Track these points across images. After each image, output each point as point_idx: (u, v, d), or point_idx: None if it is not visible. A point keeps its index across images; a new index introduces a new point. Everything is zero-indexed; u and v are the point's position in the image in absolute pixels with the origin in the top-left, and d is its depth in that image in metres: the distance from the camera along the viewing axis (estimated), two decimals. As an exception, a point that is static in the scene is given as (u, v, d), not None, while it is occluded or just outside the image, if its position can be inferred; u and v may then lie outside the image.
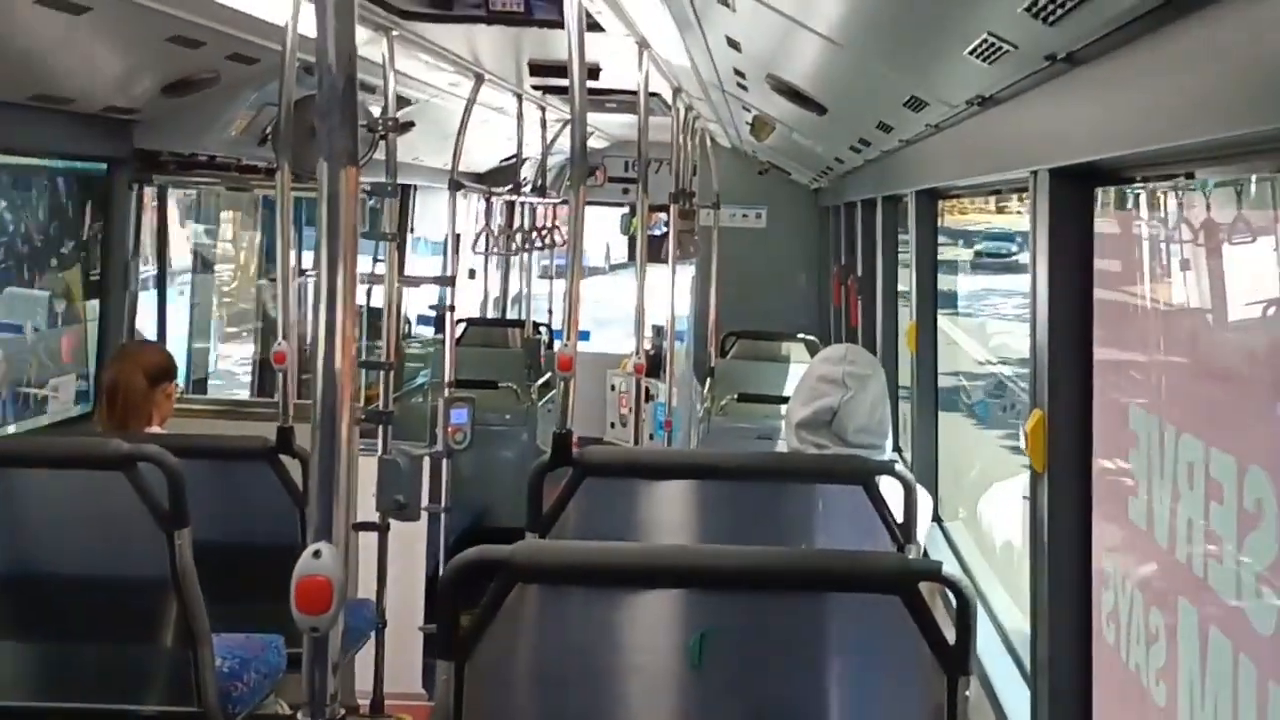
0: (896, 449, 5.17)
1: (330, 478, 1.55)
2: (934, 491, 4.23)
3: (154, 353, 4.04)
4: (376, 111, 4.32)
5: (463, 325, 8.11)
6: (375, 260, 4.69)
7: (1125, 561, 2.10)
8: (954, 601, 1.80)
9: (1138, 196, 2.15)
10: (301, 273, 5.27)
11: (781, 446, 2.92)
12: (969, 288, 5.81)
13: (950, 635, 1.80)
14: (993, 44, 2.05)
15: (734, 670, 1.92)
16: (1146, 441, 1.94)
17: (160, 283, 5.75)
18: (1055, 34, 1.82)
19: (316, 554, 1.52)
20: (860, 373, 2.79)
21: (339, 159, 1.49)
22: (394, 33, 4.24)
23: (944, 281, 4.50)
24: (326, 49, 1.48)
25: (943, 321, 4.42)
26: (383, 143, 4.28)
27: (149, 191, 5.41)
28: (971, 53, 2.16)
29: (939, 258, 4.36)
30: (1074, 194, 2.17)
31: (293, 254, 4.39)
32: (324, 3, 1.47)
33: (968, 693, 1.80)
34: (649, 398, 6.48)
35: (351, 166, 1.49)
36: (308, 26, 3.48)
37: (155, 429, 3.78)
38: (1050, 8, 1.71)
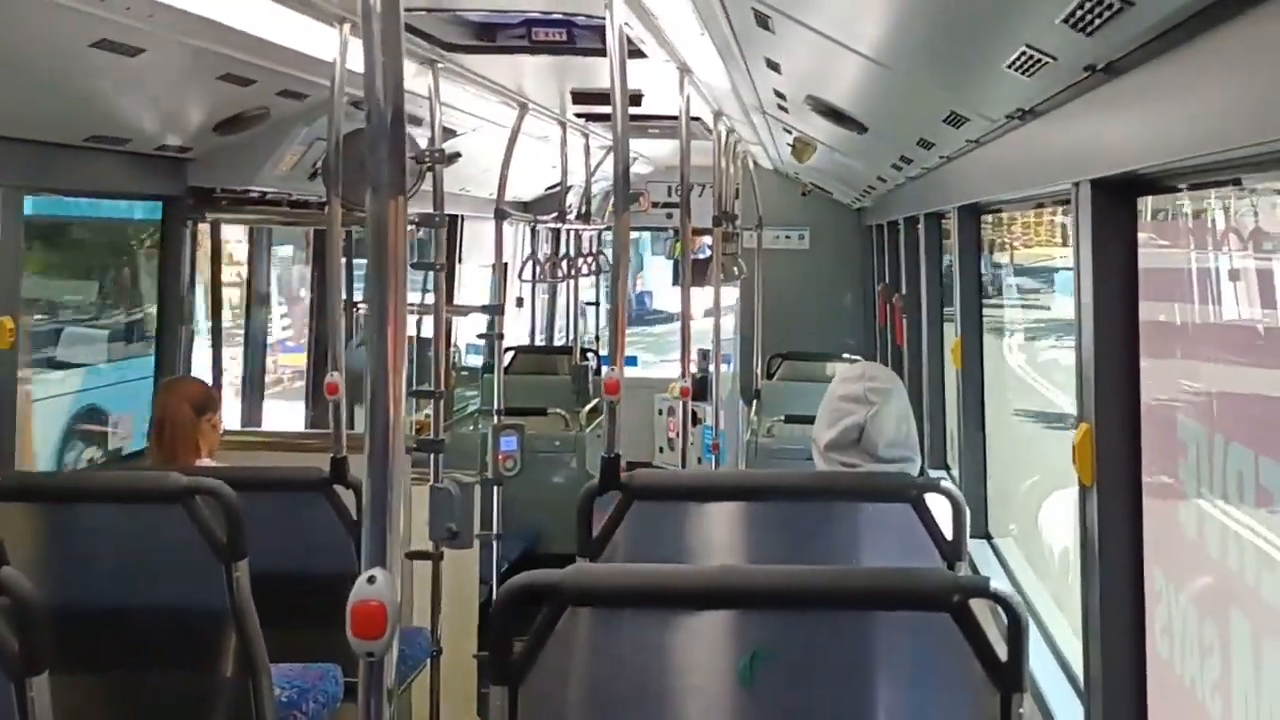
0: (944, 465, 5.14)
1: (383, 504, 1.57)
2: (983, 508, 4.21)
3: (196, 385, 4.14)
4: (423, 143, 4.37)
5: (511, 353, 8.17)
6: (424, 291, 4.74)
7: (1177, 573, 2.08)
8: (1005, 618, 1.79)
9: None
10: (353, 305, 5.34)
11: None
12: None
13: (1002, 651, 1.79)
14: (1032, 56, 2.06)
15: (786, 689, 1.92)
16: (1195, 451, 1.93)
17: (215, 318, 5.84)
18: (1094, 44, 1.82)
19: (371, 580, 1.54)
20: (881, 387, 2.77)
21: (387, 190, 1.51)
22: (439, 65, 4.29)
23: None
24: (375, 82, 1.51)
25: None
26: (429, 174, 4.33)
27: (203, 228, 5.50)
28: (1010, 66, 2.16)
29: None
30: (1116, 204, 2.16)
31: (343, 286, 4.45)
32: (372, 38, 1.50)
33: (1021, 709, 1.79)
34: (696, 421, 6.48)
35: (399, 197, 1.52)
36: (355, 62, 3.55)
37: (206, 461, 3.84)
38: (1088, 18, 1.71)
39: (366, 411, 1.57)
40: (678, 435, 5.85)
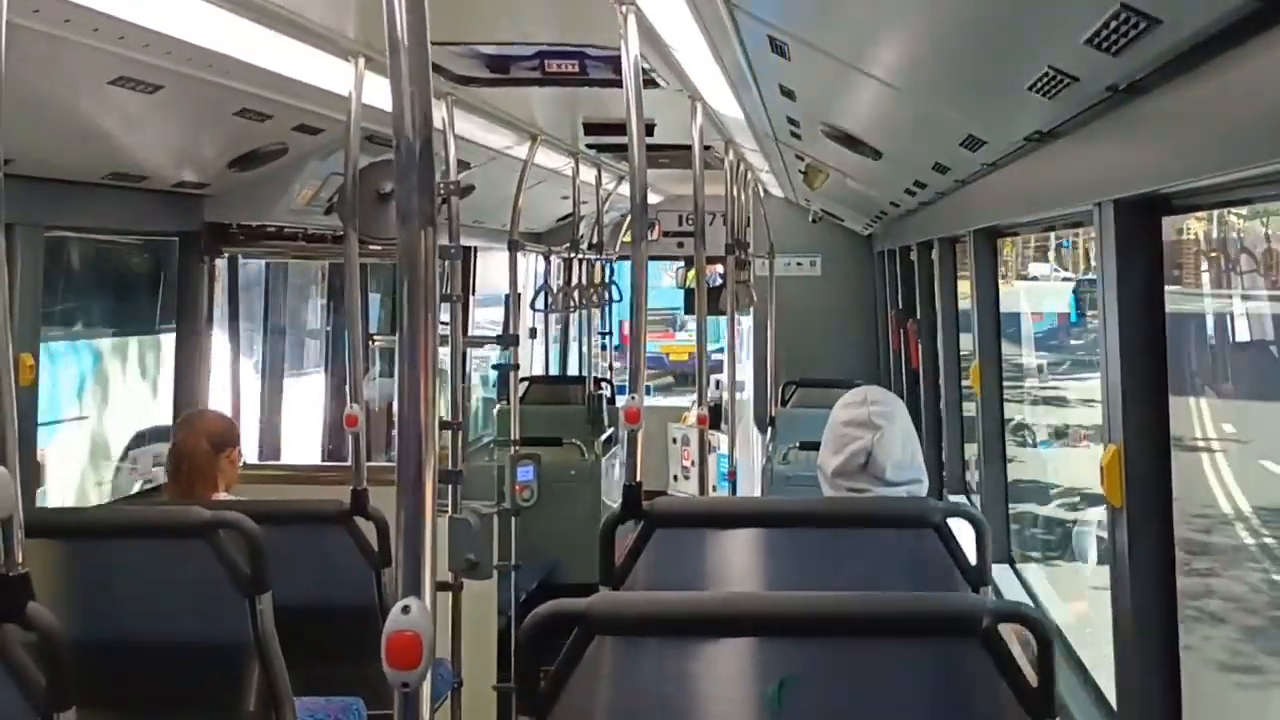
0: (965, 490, 5.12)
1: (417, 533, 1.57)
2: (1005, 532, 4.19)
3: (216, 419, 4.08)
4: (438, 176, 4.39)
5: (526, 383, 8.18)
6: (440, 322, 4.75)
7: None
8: (1034, 642, 1.78)
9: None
10: (370, 337, 5.35)
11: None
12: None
13: (1032, 677, 1.78)
14: (1054, 77, 2.05)
15: (814, 716, 1.90)
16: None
17: (234, 352, 5.85)
18: (1118, 64, 1.82)
19: (405, 609, 1.53)
20: (885, 410, 2.76)
21: (417, 220, 1.51)
22: (453, 98, 4.32)
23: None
24: (403, 114, 1.51)
25: None
26: (445, 206, 4.35)
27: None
28: (1031, 88, 2.16)
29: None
30: (1140, 224, 2.16)
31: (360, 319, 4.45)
32: (400, 70, 1.51)
33: (1052, 735, 1.77)
34: (711, 449, 6.46)
35: (429, 228, 1.52)
36: (371, 95, 3.57)
37: (223, 495, 3.82)
38: (1113, 38, 1.70)
39: (398, 440, 1.57)
40: (692, 464, 5.85)
